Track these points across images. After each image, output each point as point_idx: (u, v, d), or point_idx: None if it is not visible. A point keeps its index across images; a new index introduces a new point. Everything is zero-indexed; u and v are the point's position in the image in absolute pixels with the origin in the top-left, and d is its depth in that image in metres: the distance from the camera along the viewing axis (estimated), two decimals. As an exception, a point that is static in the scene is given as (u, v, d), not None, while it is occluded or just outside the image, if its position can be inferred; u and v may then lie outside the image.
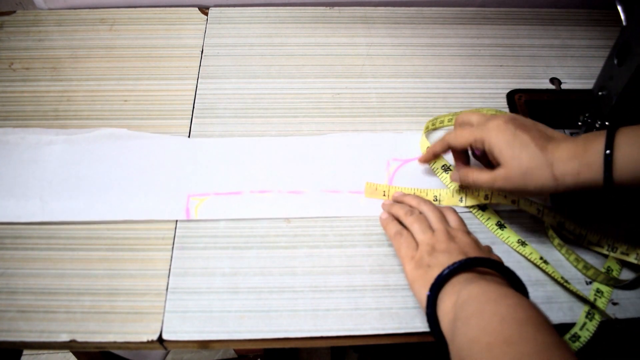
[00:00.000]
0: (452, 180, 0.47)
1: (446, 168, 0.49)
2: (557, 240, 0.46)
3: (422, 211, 0.45)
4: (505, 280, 0.39)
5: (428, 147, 0.49)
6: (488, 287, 0.36)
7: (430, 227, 0.43)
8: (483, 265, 0.39)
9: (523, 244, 0.46)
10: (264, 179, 0.50)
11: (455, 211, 0.46)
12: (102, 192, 0.48)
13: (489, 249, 0.44)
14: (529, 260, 0.45)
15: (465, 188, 0.48)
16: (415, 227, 0.43)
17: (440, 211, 0.45)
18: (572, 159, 0.37)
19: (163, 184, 0.49)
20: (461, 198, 0.48)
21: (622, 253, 0.43)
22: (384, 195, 0.49)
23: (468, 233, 0.44)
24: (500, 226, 0.47)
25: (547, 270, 0.44)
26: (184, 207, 0.47)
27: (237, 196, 0.48)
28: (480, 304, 0.35)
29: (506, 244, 0.46)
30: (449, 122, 0.53)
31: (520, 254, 0.46)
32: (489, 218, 0.48)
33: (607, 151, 0.36)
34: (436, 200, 0.49)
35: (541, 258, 0.44)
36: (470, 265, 0.39)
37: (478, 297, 0.35)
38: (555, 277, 0.43)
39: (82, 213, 0.46)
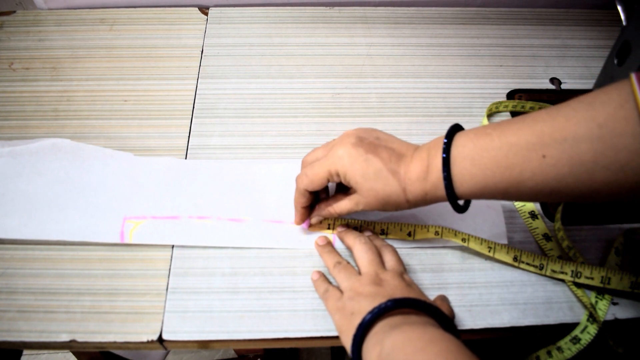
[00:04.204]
0: (314, 222, 0.45)
1: (534, 215, 0.48)
2: (566, 242, 0.46)
3: (355, 253, 0.43)
4: (433, 319, 0.37)
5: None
6: (412, 333, 0.34)
7: (358, 273, 0.42)
8: (407, 306, 0.37)
9: (548, 238, 0.46)
10: (204, 203, 0.47)
11: (394, 251, 0.44)
12: (37, 209, 0.46)
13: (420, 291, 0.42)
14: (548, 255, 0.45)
15: (414, 223, 0.46)
16: (340, 277, 0.42)
17: (375, 252, 0.43)
18: (420, 180, 0.38)
19: (100, 204, 0.47)
20: (410, 232, 0.46)
21: (587, 278, 0.42)
22: (329, 227, 0.46)
23: (401, 275, 0.41)
24: (533, 216, 0.47)
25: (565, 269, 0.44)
26: (119, 229, 0.45)
27: (174, 221, 0.46)
28: (407, 357, 0.32)
29: (532, 234, 0.47)
30: (505, 107, 0.55)
31: (541, 247, 0.46)
32: (523, 205, 0.48)
33: (445, 174, 0.36)
34: (383, 233, 0.46)
35: (569, 247, 0.45)
36: (391, 308, 0.36)
37: (403, 348, 0.33)
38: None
39: (15, 231, 0.45)
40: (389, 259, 0.43)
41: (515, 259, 0.44)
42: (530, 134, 0.34)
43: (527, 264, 0.44)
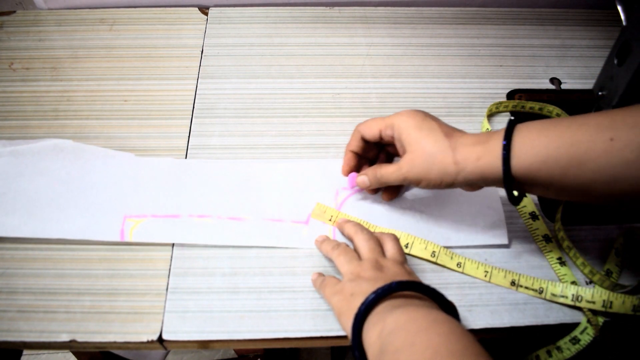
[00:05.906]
0: (360, 185, 0.46)
1: (534, 216, 0.47)
2: (566, 242, 0.46)
3: (356, 241, 0.43)
4: (436, 303, 0.37)
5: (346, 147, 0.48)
6: (416, 313, 0.34)
7: (358, 258, 0.41)
8: (410, 289, 0.37)
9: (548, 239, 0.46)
10: (204, 202, 0.47)
11: (395, 239, 0.43)
12: (38, 208, 0.46)
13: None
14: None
15: (414, 237, 0.46)
16: (340, 260, 0.41)
17: (376, 241, 0.43)
18: (475, 144, 0.38)
19: (101, 203, 0.47)
20: (407, 244, 0.45)
21: (588, 302, 0.41)
22: (330, 220, 0.47)
23: (402, 264, 0.41)
24: (533, 217, 0.47)
25: (560, 272, 0.44)
26: (119, 228, 0.45)
27: (174, 219, 0.46)
28: (409, 335, 0.32)
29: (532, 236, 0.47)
30: (505, 107, 0.56)
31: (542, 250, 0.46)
32: (524, 205, 0.48)
33: (505, 142, 0.36)
34: None
35: (559, 259, 0.45)
36: (395, 289, 0.36)
37: (406, 326, 0.33)
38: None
39: (16, 230, 0.45)
40: (390, 248, 0.43)
41: (512, 283, 0.44)
42: (601, 116, 0.34)
43: (526, 287, 0.43)
